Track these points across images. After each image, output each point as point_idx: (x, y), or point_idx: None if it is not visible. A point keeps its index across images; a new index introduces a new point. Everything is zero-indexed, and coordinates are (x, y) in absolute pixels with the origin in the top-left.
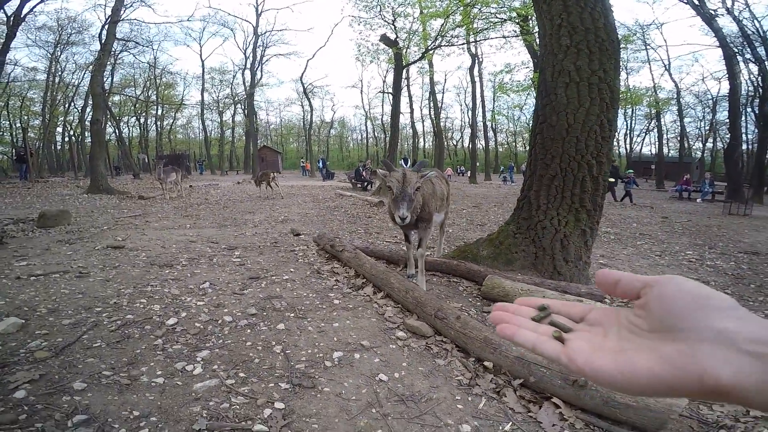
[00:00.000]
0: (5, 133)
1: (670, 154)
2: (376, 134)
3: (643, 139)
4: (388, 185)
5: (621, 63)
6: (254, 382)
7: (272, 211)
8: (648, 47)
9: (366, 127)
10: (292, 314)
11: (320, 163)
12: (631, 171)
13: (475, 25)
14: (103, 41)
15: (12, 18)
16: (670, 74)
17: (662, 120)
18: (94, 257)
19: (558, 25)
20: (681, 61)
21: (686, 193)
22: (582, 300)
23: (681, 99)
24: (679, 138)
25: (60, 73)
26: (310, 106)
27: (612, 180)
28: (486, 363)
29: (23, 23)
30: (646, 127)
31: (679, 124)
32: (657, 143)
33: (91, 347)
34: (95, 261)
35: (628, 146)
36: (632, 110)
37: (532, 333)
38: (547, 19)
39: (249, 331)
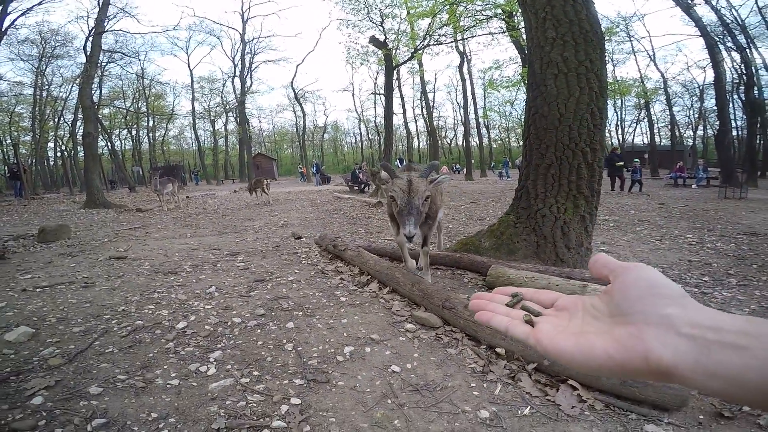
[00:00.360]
0: None
1: (662, 143)
2: (370, 136)
3: (635, 129)
4: (390, 195)
5: (607, 55)
6: (268, 379)
7: (271, 216)
8: (632, 38)
9: (360, 129)
10: (301, 313)
11: (314, 168)
12: (637, 160)
13: (461, 23)
14: (88, 53)
15: None
16: (656, 64)
17: (652, 110)
18: (98, 268)
19: (543, 18)
20: (665, 51)
21: (681, 179)
22: (587, 285)
23: (668, 88)
24: (669, 127)
25: (47, 87)
26: (303, 111)
27: (620, 164)
28: (498, 350)
29: (5, 37)
30: (636, 117)
31: (668, 113)
32: (648, 132)
33: (104, 353)
34: (99, 271)
35: (620, 136)
36: (622, 101)
37: (505, 317)
38: (531, 12)
39: (259, 331)
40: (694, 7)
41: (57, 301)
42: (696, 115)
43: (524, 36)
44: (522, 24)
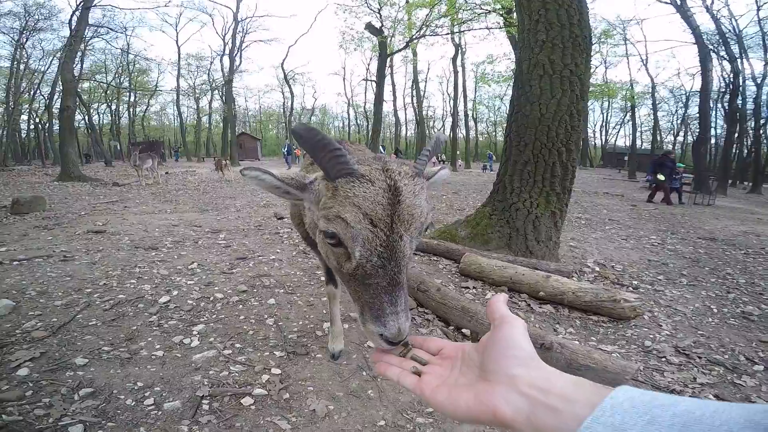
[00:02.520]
0: None
1: (642, 147)
2: (358, 121)
3: (618, 132)
4: (331, 231)
5: (600, 57)
6: (250, 351)
7: (253, 196)
8: (627, 42)
9: (348, 114)
10: (282, 290)
11: (285, 149)
12: (682, 165)
13: (459, 16)
14: (73, 27)
15: None
16: (647, 69)
17: (637, 113)
18: (76, 242)
19: (536, 20)
20: (658, 57)
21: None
22: (550, 276)
23: (656, 93)
24: (651, 131)
25: (26, 60)
26: (291, 92)
27: (662, 178)
28: (464, 330)
29: None
30: (621, 120)
31: (652, 117)
32: (631, 135)
33: (88, 326)
34: (78, 245)
35: (603, 138)
36: (608, 103)
37: (398, 368)
38: (526, 14)
39: (241, 306)
40: (693, 15)
41: (36, 275)
42: (679, 121)
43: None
44: None
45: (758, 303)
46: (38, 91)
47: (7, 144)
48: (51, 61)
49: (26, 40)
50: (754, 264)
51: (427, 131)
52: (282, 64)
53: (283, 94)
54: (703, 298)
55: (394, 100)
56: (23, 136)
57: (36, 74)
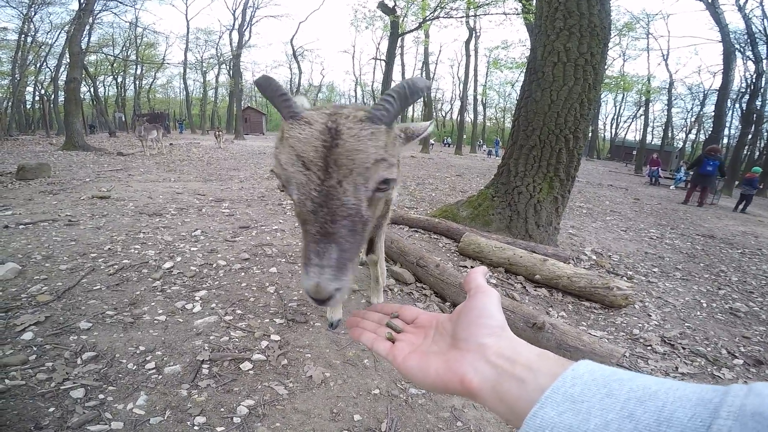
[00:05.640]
0: None
1: (653, 142)
2: (365, 100)
3: (629, 125)
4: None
5: (620, 49)
6: (251, 318)
7: (257, 168)
8: (650, 36)
9: (355, 92)
10: (283, 260)
11: None
12: (758, 168)
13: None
14: (82, 1)
15: None
16: (667, 65)
17: (651, 108)
18: (81, 207)
19: (555, 8)
20: (680, 53)
21: (654, 177)
22: (547, 259)
23: (673, 89)
24: (663, 127)
25: (33, 33)
26: (299, 68)
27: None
28: None
29: None
30: (634, 114)
31: (666, 113)
32: (642, 130)
33: (92, 290)
34: (83, 210)
35: (612, 131)
36: (622, 96)
37: (372, 334)
38: (545, 1)
39: (243, 273)
40: (723, 13)
41: (41, 239)
42: (692, 119)
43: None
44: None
45: (747, 300)
46: (45, 64)
47: (11, 114)
48: (59, 35)
49: (34, 14)
50: (749, 263)
51: (435, 114)
52: (291, 40)
53: (290, 70)
54: (695, 292)
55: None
56: (28, 107)
57: (43, 47)
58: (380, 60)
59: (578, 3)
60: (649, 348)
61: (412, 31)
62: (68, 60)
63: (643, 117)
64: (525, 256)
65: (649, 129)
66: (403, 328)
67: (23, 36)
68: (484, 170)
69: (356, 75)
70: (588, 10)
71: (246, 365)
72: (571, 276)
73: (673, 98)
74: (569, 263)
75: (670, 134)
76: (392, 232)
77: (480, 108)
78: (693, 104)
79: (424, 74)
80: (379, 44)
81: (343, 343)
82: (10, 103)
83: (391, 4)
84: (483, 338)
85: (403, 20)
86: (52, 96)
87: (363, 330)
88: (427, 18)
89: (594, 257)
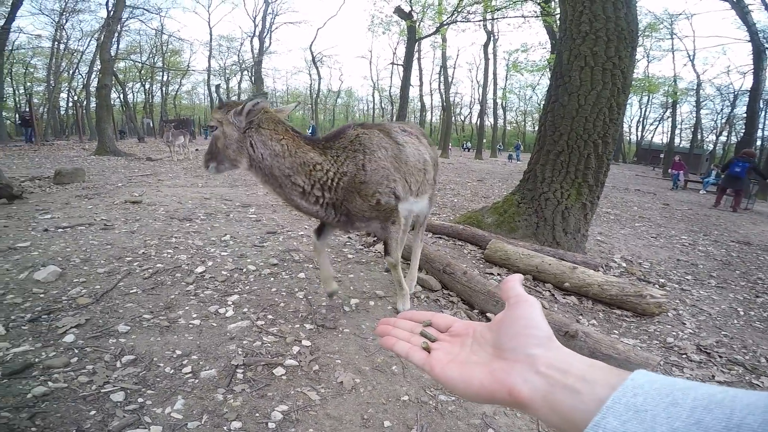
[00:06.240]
0: (8, 99)
1: (681, 145)
2: (383, 105)
3: (656, 128)
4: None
5: (644, 50)
6: (281, 323)
7: None
8: (674, 37)
9: (373, 97)
10: (311, 265)
11: (310, 130)
12: None
13: (493, 3)
14: (110, 8)
15: None
16: (693, 65)
17: (678, 110)
18: (115, 211)
19: (580, 11)
20: (707, 53)
21: (679, 181)
22: (576, 267)
23: (701, 90)
24: (692, 129)
25: (66, 41)
26: (318, 74)
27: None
28: (489, 315)
29: None
30: (660, 116)
31: (694, 115)
32: (669, 132)
33: (129, 293)
34: (117, 214)
35: (639, 134)
36: (648, 98)
37: (406, 344)
38: (569, 5)
39: (272, 279)
40: (751, 12)
41: (79, 242)
42: (723, 121)
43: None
44: (558, 10)
45: None
46: (77, 70)
47: (47, 120)
48: (89, 42)
49: (66, 21)
50: None
51: (454, 118)
52: (310, 46)
53: (310, 75)
54: (731, 300)
55: (421, 86)
56: (62, 112)
57: (75, 54)
58: (397, 65)
59: (604, 6)
60: (684, 356)
61: (429, 35)
62: (99, 67)
63: (670, 119)
64: (554, 263)
65: (677, 131)
66: (437, 337)
67: (56, 43)
68: (505, 175)
69: (374, 80)
70: (614, 13)
71: (279, 370)
72: (602, 284)
73: (701, 99)
74: (599, 271)
75: (699, 137)
76: None
77: (500, 111)
78: (723, 105)
79: (442, 78)
80: (395, 49)
81: (371, 350)
82: (46, 109)
83: (407, 9)
84: (531, 349)
85: (419, 25)
86: (85, 102)
87: (396, 339)
88: (444, 22)
89: (624, 264)
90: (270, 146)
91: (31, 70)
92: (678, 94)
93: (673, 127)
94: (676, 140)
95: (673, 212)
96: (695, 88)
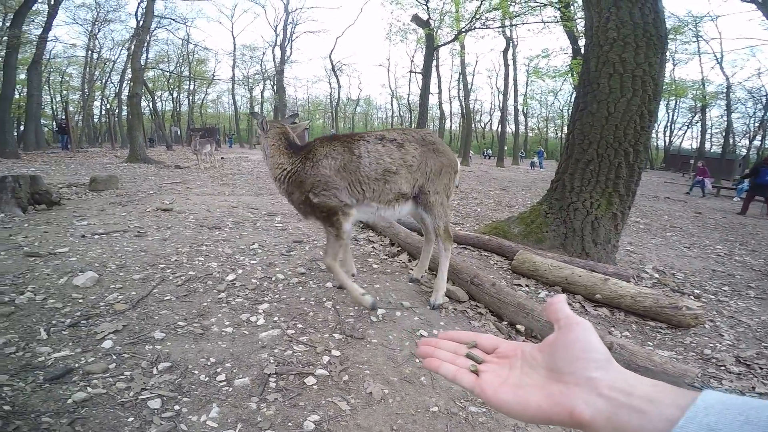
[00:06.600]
0: (46, 107)
1: (712, 150)
2: (401, 113)
3: (684, 133)
4: None
5: (669, 54)
6: (311, 332)
7: None
8: (699, 39)
9: (392, 105)
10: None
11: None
12: None
13: (512, 9)
14: (140, 19)
15: None
16: (722, 68)
17: (707, 114)
18: (147, 218)
19: (606, 18)
20: (735, 55)
21: (705, 187)
22: (608, 279)
23: (731, 93)
24: (724, 134)
25: (99, 50)
26: (338, 83)
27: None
28: (518, 326)
29: (63, 1)
30: (689, 121)
31: (725, 119)
32: (699, 137)
33: (163, 300)
34: (149, 222)
35: (667, 139)
36: (676, 102)
37: (452, 366)
38: (595, 11)
39: (301, 288)
40: None
41: (114, 249)
42: (756, 124)
43: (579, 27)
44: (578, 15)
45: None
46: (109, 79)
47: (82, 128)
48: (120, 51)
49: (98, 31)
50: None
51: (474, 125)
52: (330, 54)
53: (330, 84)
54: None
55: (440, 93)
56: (95, 120)
57: (107, 63)
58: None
59: (631, 12)
60: (722, 368)
61: (447, 43)
62: (130, 76)
63: (699, 124)
64: (584, 275)
65: (708, 136)
66: (483, 359)
67: (89, 52)
68: (528, 183)
69: (392, 88)
70: (642, 19)
71: (310, 380)
72: (635, 295)
73: (732, 103)
74: (631, 282)
75: (731, 141)
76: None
77: (521, 118)
78: (756, 109)
79: (461, 86)
80: (413, 57)
81: (399, 360)
82: (81, 117)
83: (424, 17)
84: (591, 372)
85: (437, 33)
86: (117, 110)
87: (440, 361)
88: (463, 30)
89: (656, 275)
90: (267, 149)
91: (67, 78)
92: (707, 97)
93: (703, 131)
94: (707, 145)
95: (706, 221)
96: (725, 91)
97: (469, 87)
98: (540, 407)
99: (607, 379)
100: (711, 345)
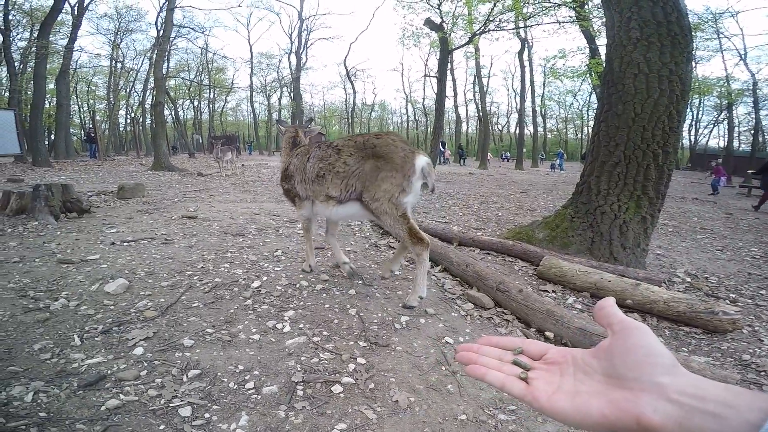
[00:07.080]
0: (74, 116)
1: (740, 148)
2: (416, 117)
3: (711, 131)
4: None
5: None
6: (337, 339)
7: None
8: (721, 36)
9: (406, 110)
10: (359, 282)
11: None
12: None
13: (526, 10)
14: (161, 28)
15: (76, 7)
16: (746, 64)
17: (734, 112)
18: (173, 226)
19: (627, 18)
20: (760, 51)
21: (715, 187)
22: (639, 284)
23: (758, 90)
24: (752, 131)
25: (122, 59)
26: (353, 88)
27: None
28: (547, 333)
29: (86, 12)
30: (715, 119)
31: (753, 116)
32: (726, 136)
33: (191, 307)
34: (175, 229)
35: (692, 138)
36: (700, 101)
37: (500, 373)
38: (616, 11)
39: (325, 295)
40: None
41: (143, 256)
42: None
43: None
44: (594, 14)
45: None
46: (133, 88)
47: (108, 136)
48: (143, 60)
49: (120, 41)
50: None
51: (491, 128)
52: (344, 60)
53: (345, 90)
54: None
55: (455, 96)
56: (121, 129)
57: (131, 72)
58: (430, 77)
59: (653, 11)
60: (763, 374)
61: (462, 46)
62: (153, 85)
63: (725, 122)
64: (614, 280)
65: (735, 134)
66: (531, 365)
67: (113, 62)
68: (549, 186)
69: (406, 93)
70: (665, 18)
71: (337, 388)
72: (668, 300)
73: (760, 99)
74: (662, 286)
75: (761, 139)
76: (464, 254)
77: (539, 119)
78: None
79: (476, 88)
80: (426, 61)
81: (424, 368)
82: (107, 126)
83: (437, 21)
84: (658, 377)
85: (451, 36)
86: (141, 119)
87: (486, 368)
88: (476, 32)
89: (688, 279)
90: (282, 149)
91: (93, 88)
92: (733, 95)
93: (731, 129)
94: (735, 143)
95: (737, 222)
96: (751, 87)
97: (485, 89)
98: (603, 414)
99: (675, 383)
100: (750, 350)
